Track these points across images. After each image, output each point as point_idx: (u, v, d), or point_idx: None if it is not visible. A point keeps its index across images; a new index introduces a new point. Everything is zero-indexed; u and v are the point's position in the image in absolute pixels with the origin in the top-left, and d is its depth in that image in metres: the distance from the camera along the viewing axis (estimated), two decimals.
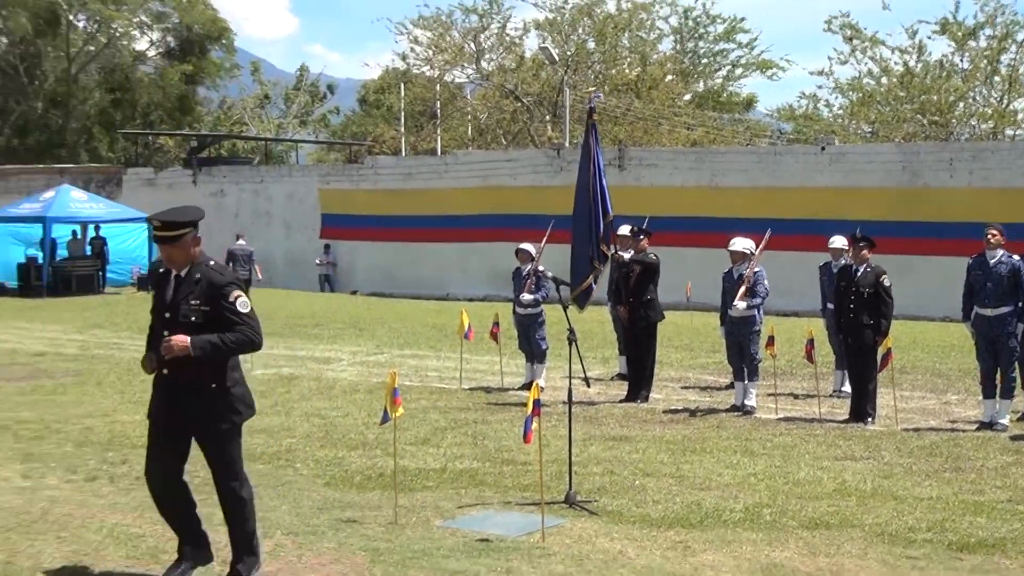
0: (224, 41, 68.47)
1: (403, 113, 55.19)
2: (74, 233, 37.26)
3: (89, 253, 37.44)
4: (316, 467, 10.79)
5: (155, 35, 68.25)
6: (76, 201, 37.06)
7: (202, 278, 7.15)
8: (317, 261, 40.45)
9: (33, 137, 66.05)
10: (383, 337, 22.99)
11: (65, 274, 35.48)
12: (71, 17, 64.84)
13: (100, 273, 36.98)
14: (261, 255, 34.91)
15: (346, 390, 15.91)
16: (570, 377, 10.37)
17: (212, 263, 7.29)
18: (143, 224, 37.45)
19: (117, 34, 66.53)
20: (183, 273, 7.20)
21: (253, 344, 7.18)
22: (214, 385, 7.11)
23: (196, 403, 7.09)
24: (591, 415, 13.99)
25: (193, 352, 6.92)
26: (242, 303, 7.14)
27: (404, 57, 55.62)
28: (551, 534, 8.33)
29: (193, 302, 7.09)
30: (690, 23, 57.84)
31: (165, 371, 7.12)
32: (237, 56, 71.47)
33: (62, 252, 37.16)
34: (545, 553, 7.91)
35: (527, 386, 15.67)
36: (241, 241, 28.90)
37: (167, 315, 7.18)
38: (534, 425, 8.34)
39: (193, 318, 7.07)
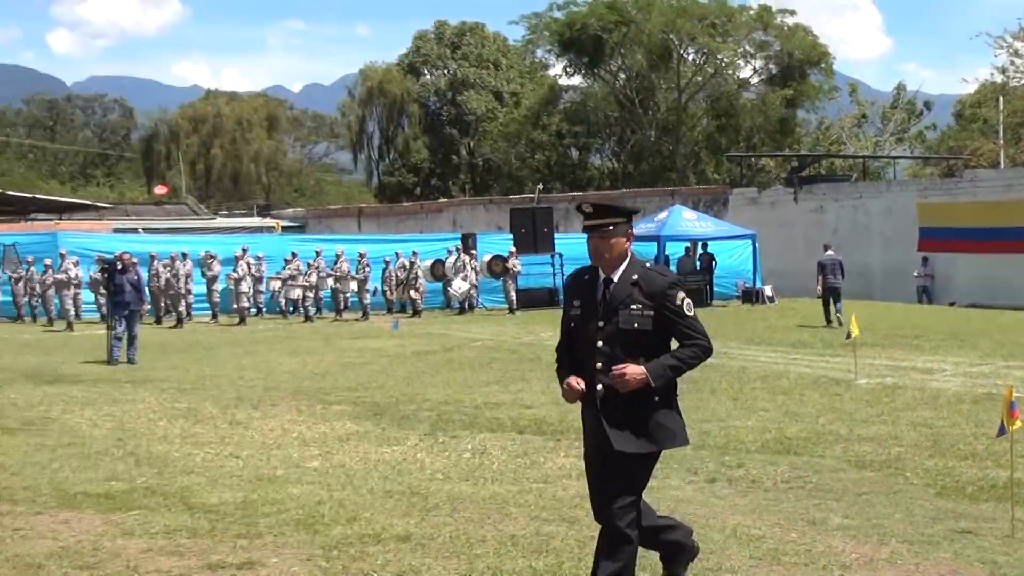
0: (823, 65, 68.41)
1: (1001, 126, 52.55)
2: (686, 250, 38.40)
3: (698, 268, 38.45)
4: (926, 476, 10.31)
5: (758, 63, 69.61)
6: (687, 220, 38.17)
7: (640, 279, 5.93)
8: (915, 273, 39.38)
9: (646, 162, 69.39)
10: (986, 348, 21.82)
11: None
12: (681, 51, 67.26)
13: (708, 287, 37.86)
14: (859, 268, 34.45)
15: (951, 400, 15.16)
16: None
17: (649, 264, 6.10)
18: (748, 240, 38.11)
19: (723, 64, 68.31)
20: (615, 276, 5.99)
21: (707, 354, 5.96)
22: (657, 398, 5.93)
23: (633, 419, 5.92)
24: None
25: (654, 383, 5.80)
26: (688, 305, 5.94)
27: (1003, 70, 53.13)
28: None
29: (634, 307, 5.86)
30: None
31: (600, 387, 5.94)
32: (835, 78, 71.07)
33: (673, 267, 38.42)
34: None
35: None
36: (829, 252, 28.71)
37: (601, 324, 5.93)
38: None
39: (636, 324, 5.85)
